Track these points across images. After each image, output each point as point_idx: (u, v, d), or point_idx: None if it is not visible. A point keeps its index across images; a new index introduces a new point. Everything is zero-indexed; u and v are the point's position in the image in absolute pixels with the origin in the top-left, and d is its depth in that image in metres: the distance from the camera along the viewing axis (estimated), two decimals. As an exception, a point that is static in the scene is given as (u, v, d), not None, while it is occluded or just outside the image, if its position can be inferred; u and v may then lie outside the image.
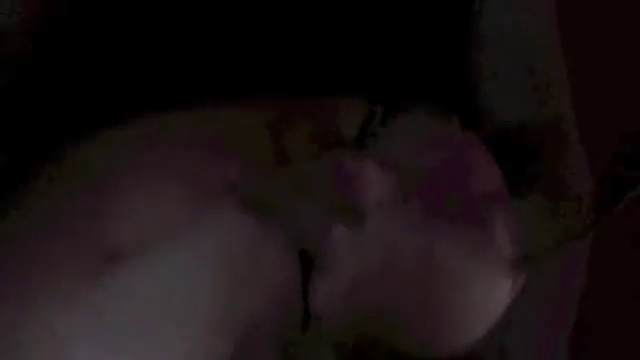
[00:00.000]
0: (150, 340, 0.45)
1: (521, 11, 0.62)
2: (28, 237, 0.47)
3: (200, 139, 0.51)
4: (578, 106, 0.65)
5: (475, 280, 0.48)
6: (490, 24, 0.61)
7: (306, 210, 0.49)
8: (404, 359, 0.50)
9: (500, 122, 0.63)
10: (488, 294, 0.49)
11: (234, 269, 0.48)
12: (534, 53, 0.63)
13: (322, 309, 0.49)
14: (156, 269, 0.47)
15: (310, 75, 0.56)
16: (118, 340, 0.44)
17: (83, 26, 0.57)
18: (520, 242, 0.48)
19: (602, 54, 1.00)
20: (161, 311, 0.46)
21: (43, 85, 0.57)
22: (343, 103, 0.54)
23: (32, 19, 0.56)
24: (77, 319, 0.44)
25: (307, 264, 0.51)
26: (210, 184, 0.50)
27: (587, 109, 0.64)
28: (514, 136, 0.62)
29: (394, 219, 0.48)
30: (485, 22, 0.61)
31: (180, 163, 0.51)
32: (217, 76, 0.58)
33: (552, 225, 0.49)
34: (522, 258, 0.48)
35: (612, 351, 0.94)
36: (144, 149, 0.52)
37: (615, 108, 0.97)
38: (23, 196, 0.50)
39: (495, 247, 0.48)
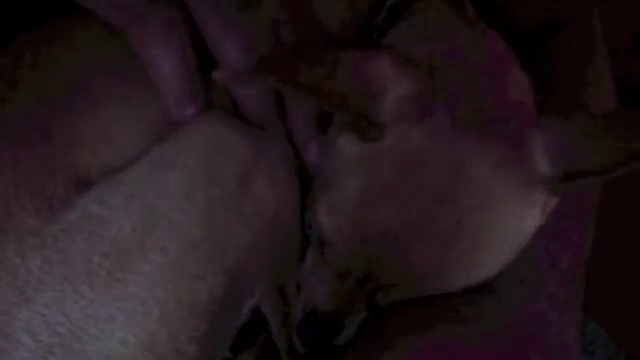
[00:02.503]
0: (125, 275, 0.40)
1: None
2: None
3: None
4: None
5: (505, 198, 0.42)
6: None
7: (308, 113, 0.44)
8: (412, 292, 0.45)
9: (520, 21, 0.56)
10: (518, 215, 0.43)
11: (220, 190, 0.43)
12: None
13: (327, 227, 0.44)
14: (129, 193, 0.42)
15: None
16: (88, 277, 0.40)
17: None
18: (560, 161, 0.43)
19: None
20: (137, 241, 0.41)
21: None
22: None
23: None
24: (39, 258, 0.40)
25: (306, 181, 0.47)
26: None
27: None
28: (535, 36, 0.56)
29: (415, 128, 0.42)
30: None
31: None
32: None
33: (610, 146, 0.42)
34: (559, 178, 0.43)
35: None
36: (114, 54, 0.47)
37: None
38: None
39: (529, 164, 0.43)
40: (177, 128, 0.44)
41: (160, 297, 0.40)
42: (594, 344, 0.77)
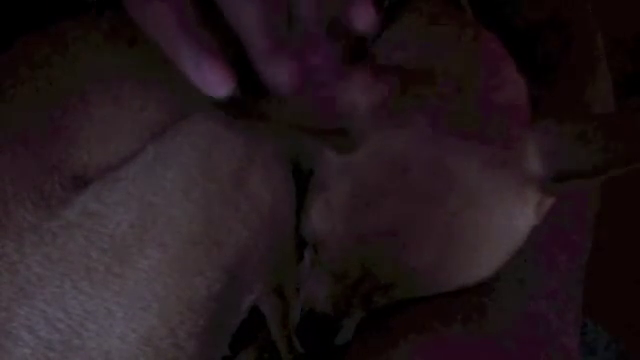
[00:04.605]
0: (124, 271, 0.41)
1: None
2: None
3: None
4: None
5: (495, 198, 0.42)
6: None
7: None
8: (408, 292, 0.45)
9: (520, 22, 0.56)
10: (510, 214, 0.43)
11: (216, 186, 0.43)
12: None
13: (320, 229, 0.44)
14: (127, 190, 0.42)
15: None
16: (87, 273, 0.40)
17: None
18: (553, 161, 0.43)
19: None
20: (136, 237, 0.41)
21: None
22: None
23: None
24: (39, 254, 0.41)
25: (301, 183, 0.47)
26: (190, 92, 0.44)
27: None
28: (535, 37, 0.56)
29: (396, 133, 0.42)
30: None
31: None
32: None
33: (605, 147, 0.42)
34: (552, 179, 0.43)
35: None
36: (110, 56, 0.48)
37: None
38: None
39: (520, 164, 0.43)
40: (172, 126, 0.45)
41: (159, 292, 0.40)
42: (594, 344, 0.77)
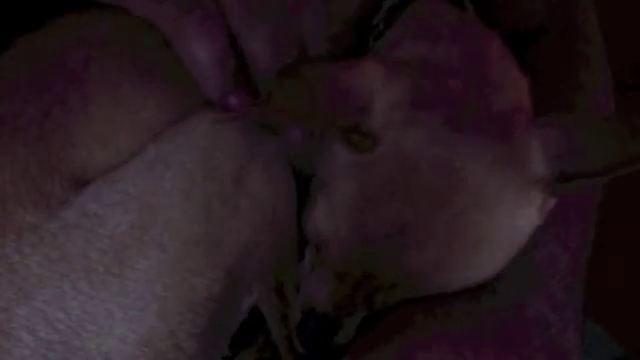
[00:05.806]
0: (124, 272, 0.41)
1: None
2: None
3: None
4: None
5: (499, 198, 0.43)
6: None
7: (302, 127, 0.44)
8: (410, 292, 0.45)
9: (519, 22, 0.56)
10: (513, 214, 0.43)
11: (217, 186, 0.43)
12: None
13: (324, 229, 0.44)
14: (126, 190, 0.43)
15: None
16: (87, 273, 0.41)
17: None
18: (557, 162, 0.43)
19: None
20: (135, 238, 0.42)
21: None
22: None
23: None
24: (38, 255, 0.41)
25: (303, 183, 0.47)
26: (190, 92, 0.46)
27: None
28: (536, 37, 0.56)
29: (408, 132, 0.42)
30: None
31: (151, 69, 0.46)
32: None
33: (608, 148, 0.43)
34: (556, 179, 0.43)
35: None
36: (109, 55, 0.47)
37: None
38: None
39: (525, 164, 0.43)
40: (172, 126, 0.45)
41: (159, 293, 0.40)
42: (594, 344, 0.77)
